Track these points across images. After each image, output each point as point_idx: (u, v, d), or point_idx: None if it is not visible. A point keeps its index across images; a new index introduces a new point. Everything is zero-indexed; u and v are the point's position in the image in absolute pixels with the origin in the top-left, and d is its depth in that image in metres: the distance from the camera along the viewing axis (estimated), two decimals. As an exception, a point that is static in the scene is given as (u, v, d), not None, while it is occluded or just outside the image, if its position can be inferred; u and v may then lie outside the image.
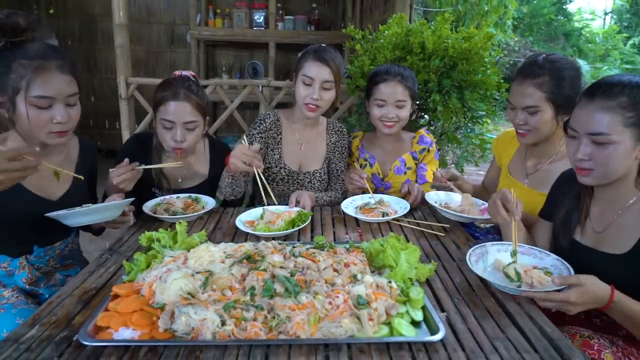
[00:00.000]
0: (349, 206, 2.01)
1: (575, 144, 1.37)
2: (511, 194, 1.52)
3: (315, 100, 2.11)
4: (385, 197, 2.07)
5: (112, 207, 1.61)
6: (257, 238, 1.69)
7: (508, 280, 1.33)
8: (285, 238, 1.69)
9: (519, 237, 1.48)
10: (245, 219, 1.84)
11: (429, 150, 2.36)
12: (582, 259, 1.45)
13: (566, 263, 1.35)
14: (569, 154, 1.41)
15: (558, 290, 1.24)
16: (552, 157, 1.91)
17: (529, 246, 1.46)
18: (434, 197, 1.98)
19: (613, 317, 1.29)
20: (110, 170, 1.79)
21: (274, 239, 1.62)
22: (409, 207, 1.96)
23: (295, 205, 1.97)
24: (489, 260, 1.45)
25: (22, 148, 1.37)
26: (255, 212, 1.90)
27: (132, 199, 1.71)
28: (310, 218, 1.82)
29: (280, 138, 2.27)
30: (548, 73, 1.75)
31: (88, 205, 1.64)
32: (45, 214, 1.52)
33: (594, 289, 1.22)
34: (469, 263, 1.36)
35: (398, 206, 1.99)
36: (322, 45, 2.21)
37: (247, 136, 2.21)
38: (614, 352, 1.27)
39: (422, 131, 2.42)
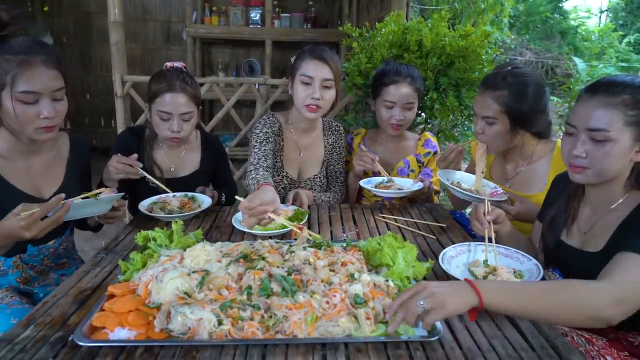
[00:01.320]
0: (366, 185, 2.11)
1: (571, 141, 1.36)
2: (483, 207, 1.54)
3: (316, 100, 2.03)
4: (395, 179, 2.18)
5: (99, 203, 1.60)
6: (254, 237, 1.68)
7: (472, 277, 1.37)
8: (282, 237, 1.68)
9: (505, 241, 1.56)
10: (242, 217, 1.83)
11: (434, 155, 2.37)
12: (566, 259, 1.47)
13: (540, 267, 1.38)
14: (564, 151, 1.40)
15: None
16: (529, 159, 1.95)
17: (515, 250, 1.49)
18: (446, 176, 1.99)
19: (499, 311, 1.08)
20: (115, 155, 1.84)
21: (270, 237, 1.61)
22: (422, 184, 2.06)
23: (292, 204, 1.96)
24: (469, 258, 1.48)
25: (52, 204, 1.40)
26: None
27: (121, 194, 1.70)
28: (307, 217, 1.81)
29: (283, 144, 2.22)
30: (508, 87, 1.79)
31: (76, 199, 1.63)
32: None
33: (435, 284, 1.05)
34: (440, 261, 1.39)
35: (411, 184, 2.10)
36: (320, 47, 2.15)
37: (257, 131, 2.10)
38: (588, 351, 1.27)
39: (428, 134, 2.43)
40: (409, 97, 2.21)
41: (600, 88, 1.31)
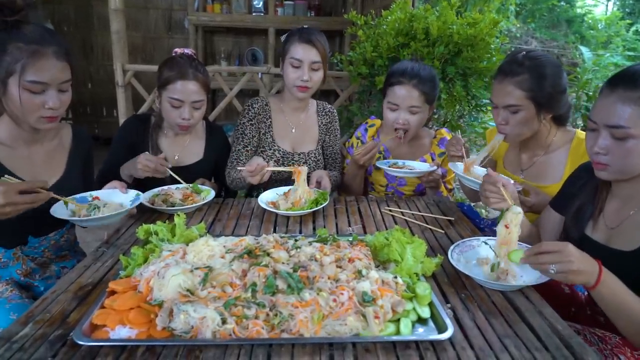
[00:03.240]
0: (383, 165, 2.11)
1: (593, 137, 1.31)
2: (494, 176, 1.49)
3: (305, 82, 2.11)
4: (410, 162, 2.20)
5: (118, 214, 1.61)
6: (258, 231, 1.66)
7: (483, 274, 1.32)
8: (300, 221, 1.75)
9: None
10: (266, 199, 1.88)
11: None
12: (591, 254, 1.41)
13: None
14: (587, 146, 1.34)
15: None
16: (546, 149, 1.90)
17: (527, 245, 1.41)
18: (460, 168, 1.94)
19: (599, 299, 1.20)
20: (144, 154, 1.86)
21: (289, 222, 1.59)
22: (436, 167, 2.08)
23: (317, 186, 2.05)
24: (479, 253, 1.43)
25: (36, 182, 1.39)
26: (273, 193, 1.95)
27: (137, 194, 1.70)
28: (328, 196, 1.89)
29: (270, 122, 2.27)
30: (527, 71, 1.74)
31: (97, 210, 1.62)
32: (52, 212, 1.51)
33: (578, 250, 1.18)
34: (450, 256, 1.35)
35: (424, 167, 2.13)
36: (306, 26, 2.19)
37: (238, 126, 2.24)
38: (601, 350, 1.24)
39: (444, 132, 2.35)
40: (413, 100, 2.10)
41: (620, 82, 1.25)
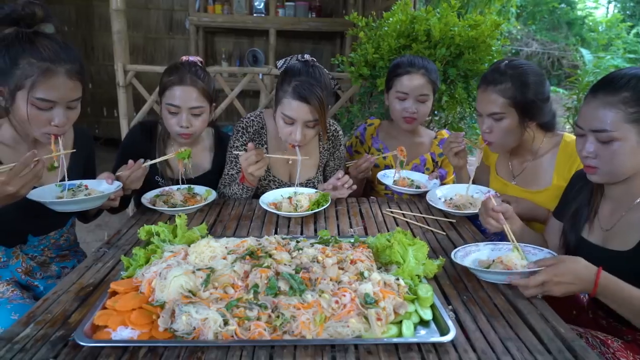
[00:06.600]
0: (383, 178, 2.10)
1: (581, 142, 1.36)
2: (492, 202, 1.50)
3: (297, 141, 1.88)
4: (409, 173, 2.18)
5: (93, 200, 1.59)
6: (260, 232, 1.66)
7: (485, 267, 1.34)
8: (302, 222, 1.75)
9: (515, 233, 1.48)
10: (267, 200, 1.86)
11: None
12: (588, 257, 1.42)
13: (554, 254, 1.34)
14: (577, 150, 1.39)
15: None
16: (535, 154, 1.92)
17: (524, 244, 1.42)
18: (437, 196, 1.95)
19: (607, 303, 1.23)
20: (118, 172, 1.76)
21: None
22: (438, 183, 2.07)
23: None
24: (479, 256, 1.43)
25: (27, 160, 1.35)
26: (274, 194, 1.93)
27: (115, 186, 1.66)
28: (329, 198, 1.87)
29: (266, 148, 2.07)
30: (510, 79, 1.76)
31: (75, 193, 1.62)
32: (28, 196, 1.46)
33: (574, 266, 1.20)
34: (453, 257, 1.37)
35: (427, 182, 2.11)
36: (307, 66, 1.89)
37: (231, 148, 2.06)
38: (603, 353, 1.24)
39: (445, 133, 2.37)
40: (423, 88, 2.15)
41: (600, 88, 1.30)
